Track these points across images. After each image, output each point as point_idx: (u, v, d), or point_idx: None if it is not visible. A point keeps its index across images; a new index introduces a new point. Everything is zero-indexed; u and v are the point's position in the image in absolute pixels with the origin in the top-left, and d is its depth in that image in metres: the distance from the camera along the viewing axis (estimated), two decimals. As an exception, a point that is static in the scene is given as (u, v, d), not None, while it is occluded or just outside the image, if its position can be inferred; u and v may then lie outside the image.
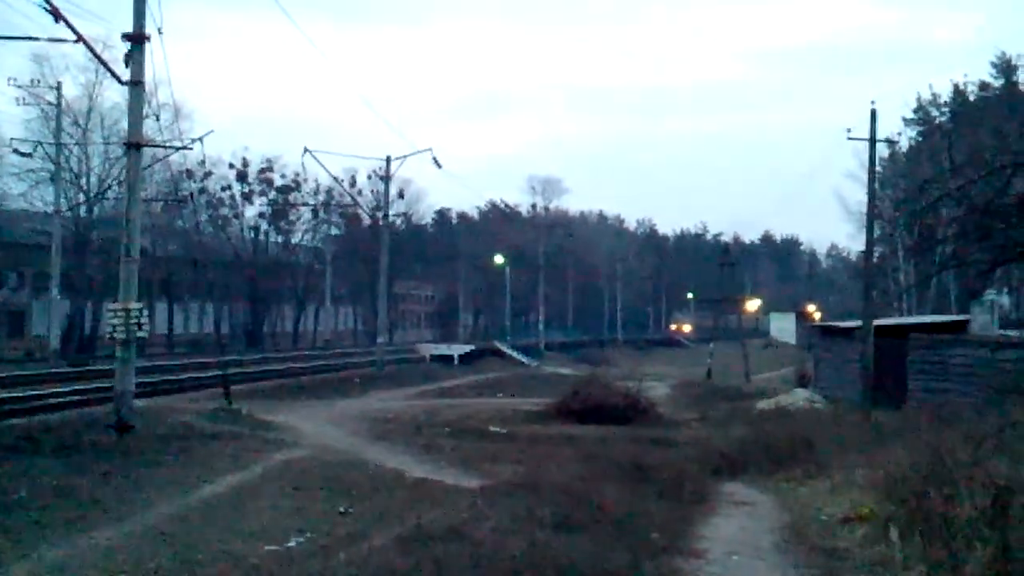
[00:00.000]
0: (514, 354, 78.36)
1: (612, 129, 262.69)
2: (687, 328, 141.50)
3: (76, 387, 34.36)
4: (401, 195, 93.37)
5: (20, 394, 31.42)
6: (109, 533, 13.67)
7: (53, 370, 44.12)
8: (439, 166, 51.91)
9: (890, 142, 56.23)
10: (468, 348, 75.31)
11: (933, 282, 64.88)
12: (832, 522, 14.34)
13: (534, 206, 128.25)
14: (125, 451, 20.77)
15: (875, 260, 47.75)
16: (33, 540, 13.08)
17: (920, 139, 75.43)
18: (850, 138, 37.00)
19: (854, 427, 24.65)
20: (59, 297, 53.03)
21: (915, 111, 76.64)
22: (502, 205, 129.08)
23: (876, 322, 36.60)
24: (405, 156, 53.98)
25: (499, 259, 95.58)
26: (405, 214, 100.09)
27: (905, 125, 75.63)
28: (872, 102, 36.79)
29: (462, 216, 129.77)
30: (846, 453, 18.84)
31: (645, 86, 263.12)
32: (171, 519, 14.73)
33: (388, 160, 54.44)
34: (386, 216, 60.35)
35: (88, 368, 45.36)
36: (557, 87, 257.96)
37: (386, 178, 56.74)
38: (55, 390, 33.14)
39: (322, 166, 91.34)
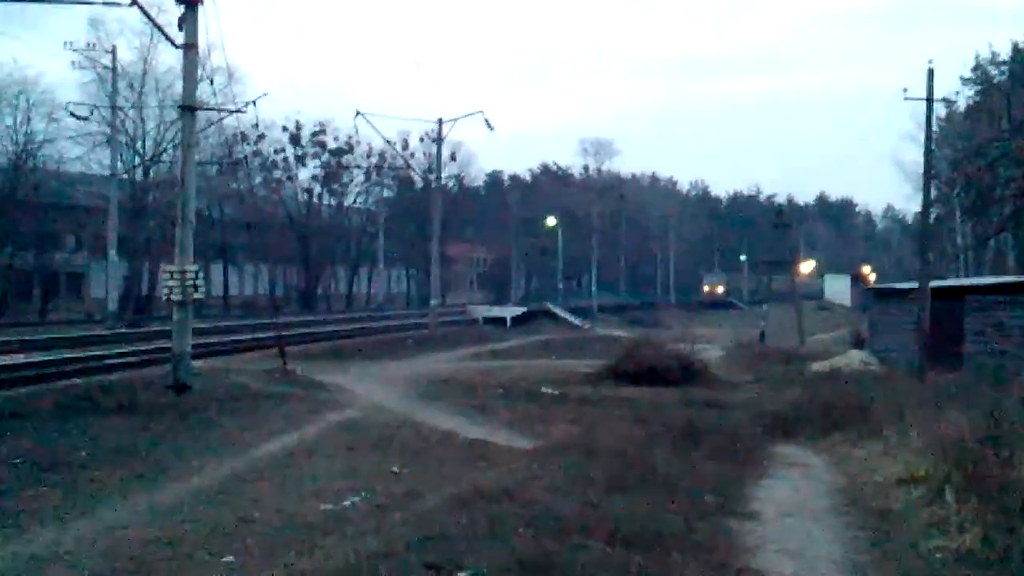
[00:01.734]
0: (566, 316, 78.16)
1: (666, 91, 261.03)
2: (720, 290, 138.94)
3: (134, 348, 34.78)
4: (453, 157, 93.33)
5: (79, 355, 31.84)
6: (167, 491, 13.86)
7: (111, 331, 44.66)
8: (491, 128, 51.82)
9: (948, 102, 55.36)
10: (520, 310, 75.32)
11: (991, 243, 64.12)
12: (887, 484, 14.26)
13: (586, 168, 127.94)
14: (183, 411, 21.03)
15: (932, 221, 47.19)
16: (93, 499, 13.29)
17: (978, 99, 74.14)
18: (907, 98, 36.41)
19: (909, 389, 24.46)
20: (117, 259, 53.53)
21: (973, 70, 75.15)
22: (554, 167, 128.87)
23: (932, 284, 36.18)
24: (456, 119, 53.95)
25: (551, 221, 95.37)
26: (457, 176, 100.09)
27: (963, 84, 74.29)
28: (930, 61, 36.17)
29: (514, 179, 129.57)
30: (901, 415, 18.66)
31: (700, 48, 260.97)
32: (228, 479, 14.90)
33: (440, 122, 54.39)
34: (438, 178, 60.37)
35: (146, 329, 45.90)
36: (610, 48, 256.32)
37: (438, 140, 56.63)
38: (114, 351, 33.54)
39: (374, 129, 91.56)
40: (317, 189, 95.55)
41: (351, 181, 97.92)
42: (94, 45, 54.52)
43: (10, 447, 16.08)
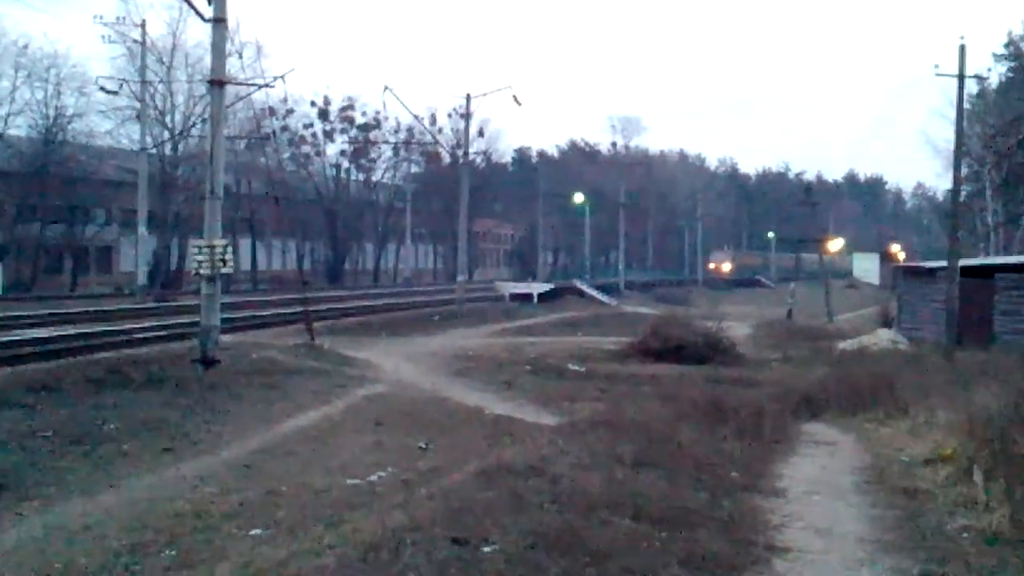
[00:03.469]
0: (593, 293, 77.98)
1: (695, 67, 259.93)
2: (726, 267, 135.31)
3: (163, 322, 34.92)
4: (481, 133, 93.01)
5: (109, 328, 32.01)
6: (195, 465, 13.96)
7: (140, 305, 44.88)
8: (519, 104, 51.67)
9: (979, 78, 54.71)
10: (547, 287, 75.05)
11: (1022, 221, 63.51)
12: (914, 463, 14.20)
13: (614, 145, 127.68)
14: (211, 385, 21.15)
15: (962, 199, 46.77)
16: (122, 471, 13.41)
17: (1011, 75, 73.33)
18: (938, 74, 36.16)
19: (938, 368, 24.38)
20: (146, 233, 53.73)
21: (1005, 46, 74.45)
22: (582, 144, 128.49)
23: (962, 262, 35.96)
24: (485, 94, 53.88)
25: (579, 198, 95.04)
26: (485, 152, 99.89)
27: (995, 61, 73.55)
28: (961, 38, 35.93)
29: (542, 155, 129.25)
30: (929, 394, 18.59)
31: (727, 23, 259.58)
32: (255, 452, 15.00)
33: (468, 98, 54.29)
34: (466, 154, 60.10)
35: (174, 303, 46.12)
36: (637, 23, 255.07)
37: (466, 116, 56.45)
38: (142, 325, 33.70)
39: (402, 104, 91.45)
40: (345, 164, 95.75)
41: (379, 156, 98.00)
42: (124, 19, 54.57)
43: (40, 420, 16.22)
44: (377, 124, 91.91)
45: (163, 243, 65.55)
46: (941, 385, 19.37)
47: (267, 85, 32.68)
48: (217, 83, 25.04)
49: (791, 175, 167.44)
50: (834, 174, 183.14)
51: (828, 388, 23.05)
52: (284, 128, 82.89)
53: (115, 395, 19.06)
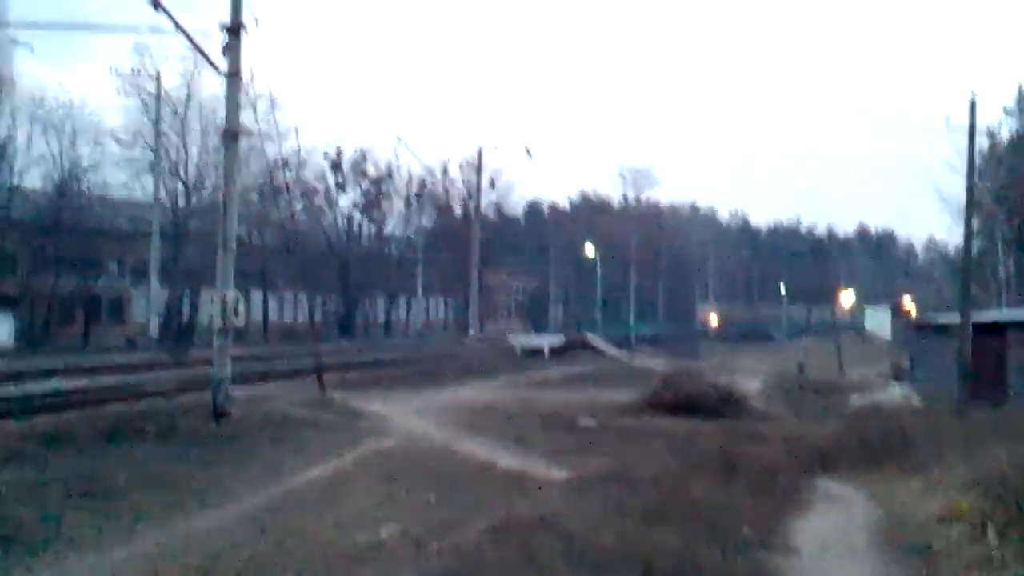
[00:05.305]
0: (604, 346, 77.80)
1: (706, 120, 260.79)
2: (713, 319, 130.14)
3: (174, 374, 34.94)
4: (492, 185, 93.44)
5: (119, 381, 32.03)
6: (206, 519, 13.92)
7: (152, 357, 44.92)
8: (530, 156, 52.01)
9: (991, 133, 54.93)
10: (559, 340, 74.76)
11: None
12: (928, 520, 14.11)
13: (625, 197, 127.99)
14: (221, 438, 21.12)
15: (974, 254, 46.70)
16: (132, 525, 13.36)
17: (1021, 130, 73.58)
18: (949, 129, 36.28)
19: (951, 425, 24.20)
20: (158, 285, 53.94)
21: (1017, 101, 74.85)
22: (593, 196, 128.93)
23: (974, 317, 35.85)
24: (496, 147, 54.33)
25: (590, 250, 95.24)
26: (496, 204, 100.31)
27: (1006, 115, 73.91)
28: (972, 92, 36.01)
29: (553, 207, 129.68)
30: (943, 451, 18.50)
31: (736, 76, 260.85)
32: (266, 507, 14.96)
33: (480, 151, 54.72)
34: (477, 206, 60.43)
35: (186, 355, 46.16)
36: (650, 76, 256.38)
37: (478, 168, 56.95)
38: (153, 376, 33.71)
39: (414, 155, 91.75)
40: (357, 216, 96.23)
41: (391, 209, 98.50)
42: (139, 71, 55.13)
43: (51, 472, 16.16)
44: (389, 175, 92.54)
45: (175, 295, 65.76)
46: (955, 442, 19.25)
47: (281, 138, 32.86)
48: (231, 136, 25.22)
49: (802, 228, 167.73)
50: (845, 227, 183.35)
51: (840, 444, 22.96)
52: (297, 180, 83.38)
53: (125, 448, 19.02)
